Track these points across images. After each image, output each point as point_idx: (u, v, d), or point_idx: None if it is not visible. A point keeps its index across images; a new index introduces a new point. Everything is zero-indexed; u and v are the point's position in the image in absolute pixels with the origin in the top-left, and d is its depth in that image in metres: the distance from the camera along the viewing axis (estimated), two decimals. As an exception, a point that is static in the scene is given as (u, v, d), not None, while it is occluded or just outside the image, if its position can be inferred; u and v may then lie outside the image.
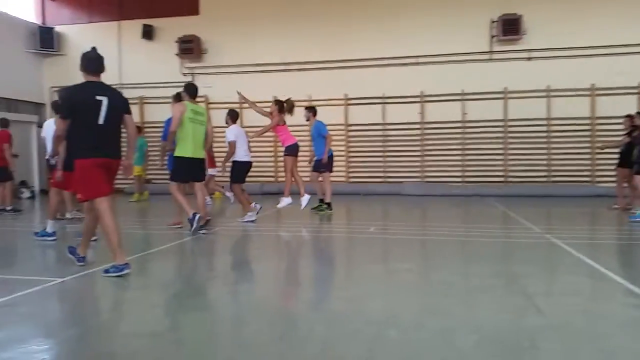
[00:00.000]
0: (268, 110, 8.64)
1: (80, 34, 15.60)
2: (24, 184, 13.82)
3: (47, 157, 5.75)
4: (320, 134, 9.29)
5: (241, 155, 8.02)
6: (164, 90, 14.89)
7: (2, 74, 14.22)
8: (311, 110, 9.65)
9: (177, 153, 6.61)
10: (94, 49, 4.74)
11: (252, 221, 7.92)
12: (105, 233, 4.49)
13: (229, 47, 14.66)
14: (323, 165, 9.40)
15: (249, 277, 4.82)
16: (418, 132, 13.75)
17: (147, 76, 15.19)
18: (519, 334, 2.95)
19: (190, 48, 14.58)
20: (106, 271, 4.43)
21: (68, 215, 8.22)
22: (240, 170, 8.08)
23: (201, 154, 6.83)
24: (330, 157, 9.49)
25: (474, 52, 13.30)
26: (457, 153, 13.60)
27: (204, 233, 6.72)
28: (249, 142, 8.49)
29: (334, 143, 13.99)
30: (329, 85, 13.99)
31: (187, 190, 7.10)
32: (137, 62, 15.27)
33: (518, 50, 13.10)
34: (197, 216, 6.53)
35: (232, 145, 7.90)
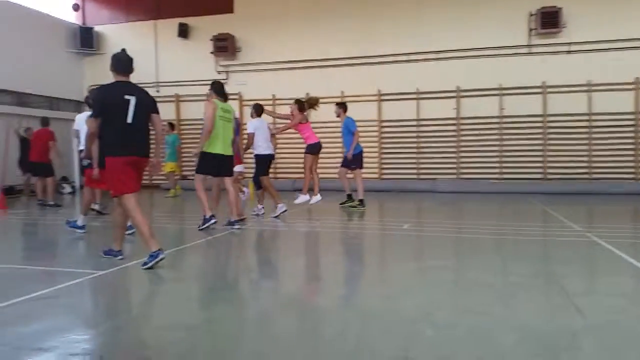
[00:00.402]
0: (288, 112, 8.80)
1: (118, 34, 15.98)
2: (65, 179, 14.26)
3: (80, 157, 5.97)
4: (349, 131, 9.24)
5: (261, 148, 8.07)
6: (198, 88, 15.12)
7: (45, 73, 14.69)
8: (341, 106, 9.63)
9: (206, 149, 6.70)
10: (123, 50, 4.87)
11: (278, 215, 7.95)
12: (136, 227, 4.68)
13: (262, 45, 14.75)
14: (353, 162, 9.34)
15: (281, 273, 4.83)
16: (453, 127, 13.53)
17: (183, 74, 15.43)
18: (558, 333, 2.86)
19: (224, 46, 14.73)
20: (145, 263, 4.53)
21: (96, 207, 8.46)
22: (262, 164, 8.14)
23: (229, 150, 6.90)
24: (360, 153, 9.45)
25: (511, 45, 12.99)
26: (494, 149, 13.32)
27: (237, 228, 6.79)
28: (273, 135, 8.53)
29: (366, 139, 13.97)
30: (362, 81, 13.92)
31: (219, 186, 7.18)
32: (173, 61, 15.53)
33: (557, 44, 12.72)
34: (212, 221, 6.65)
35: (250, 137, 7.98)
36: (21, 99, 14.30)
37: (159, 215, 9.21)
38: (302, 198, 8.50)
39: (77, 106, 16.20)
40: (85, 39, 15.88)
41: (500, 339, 2.79)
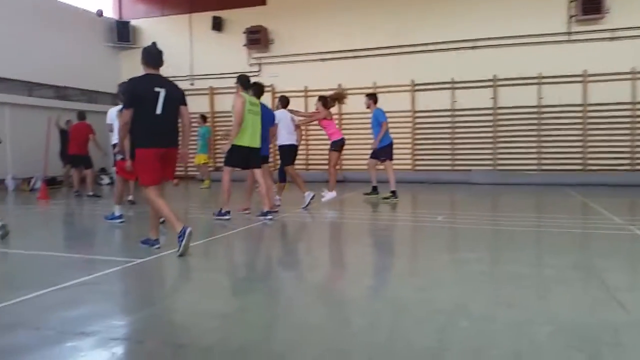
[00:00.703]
0: (314, 110, 8.92)
1: (154, 27, 16.26)
2: (103, 170, 14.64)
3: (114, 152, 6.13)
4: (378, 122, 9.16)
5: (284, 139, 8.19)
6: (232, 81, 15.25)
7: (83, 67, 15.09)
8: (371, 97, 9.58)
9: (235, 142, 6.78)
10: (154, 43, 5.03)
11: (308, 203, 8.03)
12: (160, 213, 4.86)
13: (294, 37, 14.76)
14: (382, 153, 9.32)
15: (314, 263, 4.85)
16: (490, 117, 13.25)
17: (217, 67, 15.58)
18: (598, 328, 2.78)
19: (257, 39, 14.81)
20: (179, 237, 4.64)
21: (130, 198, 8.72)
22: (285, 154, 8.25)
23: (257, 143, 6.98)
24: (390, 145, 9.39)
25: (550, 33, 12.61)
26: (532, 139, 13.00)
27: (270, 219, 6.85)
28: (298, 126, 8.59)
29: (399, 130, 13.86)
30: (395, 71, 13.77)
31: (252, 178, 7.25)
32: (207, 54, 15.70)
33: (599, 30, 12.28)
34: (227, 217, 6.82)
35: (274, 127, 7.99)
36: (61, 92, 14.74)
37: (194, 205, 9.37)
38: (329, 195, 8.67)
39: (114, 99, 16.56)
40: (122, 33, 16.21)
41: (537, 332, 2.73)
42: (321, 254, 5.29)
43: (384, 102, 13.76)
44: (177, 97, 4.92)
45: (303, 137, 14.49)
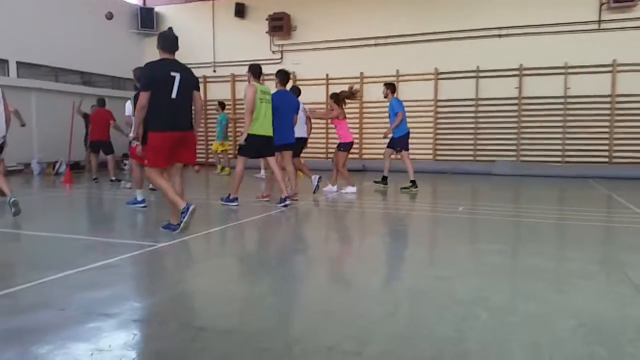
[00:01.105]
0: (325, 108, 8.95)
1: (177, 14, 16.32)
2: (126, 156, 14.83)
3: (130, 139, 6.21)
4: (394, 112, 9.13)
5: (296, 130, 8.15)
6: (254, 68, 15.25)
7: (108, 53, 15.26)
8: (389, 86, 9.50)
9: (250, 131, 6.80)
10: (170, 29, 5.11)
11: (317, 186, 8.31)
12: (162, 191, 5.05)
13: (317, 24, 14.68)
14: (398, 143, 9.28)
15: (333, 251, 4.85)
16: (514, 107, 13.04)
17: (239, 54, 15.61)
18: (623, 324, 2.72)
19: (280, 25, 14.77)
20: (182, 213, 4.86)
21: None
22: (294, 145, 8.17)
23: (270, 131, 6.99)
24: (406, 135, 9.32)
25: (579, 21, 12.30)
26: (557, 131, 12.76)
27: (286, 205, 6.90)
28: (308, 118, 8.70)
29: (421, 119, 13.74)
30: (418, 59, 13.62)
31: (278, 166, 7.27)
32: (230, 40, 15.73)
33: (631, 19, 11.93)
34: (235, 203, 6.93)
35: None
36: (86, 78, 14.95)
37: (214, 192, 9.43)
38: (350, 190, 8.70)
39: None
40: (146, 20, 16.33)
41: (557, 325, 2.69)
42: (340, 242, 5.29)
43: (406, 91, 13.72)
44: (191, 82, 5.04)
45: (325, 128, 14.49)
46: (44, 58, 13.53)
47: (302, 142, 8.47)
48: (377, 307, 3.00)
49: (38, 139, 13.34)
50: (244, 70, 15.25)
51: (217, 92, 15.80)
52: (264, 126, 6.86)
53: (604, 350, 2.37)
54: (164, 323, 2.75)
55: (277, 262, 4.32)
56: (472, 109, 13.40)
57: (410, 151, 13.38)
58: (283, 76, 7.55)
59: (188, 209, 4.81)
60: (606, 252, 4.72)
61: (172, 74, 4.84)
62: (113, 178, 10.63)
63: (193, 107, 5.18)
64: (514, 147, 13.15)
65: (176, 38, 5.06)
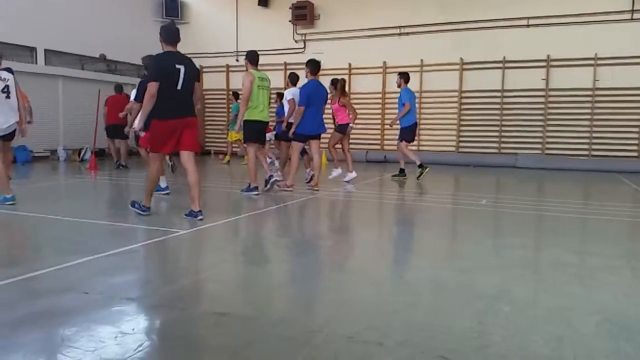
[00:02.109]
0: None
1: (202, 3, 16.35)
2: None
3: (136, 130, 6.32)
4: (401, 102, 9.21)
5: (291, 117, 8.19)
6: (276, 57, 15.24)
7: (133, 41, 15.36)
8: (403, 76, 9.48)
9: (247, 117, 6.94)
10: (172, 21, 5.17)
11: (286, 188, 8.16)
12: (146, 180, 5.35)
13: (341, 12, 14.56)
14: (404, 134, 9.33)
15: (355, 241, 4.84)
16: (541, 99, 12.77)
17: (262, 43, 15.53)
18: (650, 321, 2.66)
19: (303, 14, 14.68)
20: (133, 204, 5.37)
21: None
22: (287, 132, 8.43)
23: (267, 117, 7.18)
24: (412, 126, 9.35)
25: (610, 11, 11.95)
26: (584, 124, 12.47)
27: (257, 194, 6.99)
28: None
29: (445, 110, 13.57)
30: (443, 49, 13.41)
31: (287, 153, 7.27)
32: (253, 29, 15.69)
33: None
34: (257, 192, 7.00)
35: (291, 102, 7.94)
36: (111, 66, 15.12)
37: (237, 181, 9.49)
38: (350, 176, 8.71)
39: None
40: (170, 9, 16.39)
41: (581, 319, 2.64)
42: (360, 232, 5.27)
43: (430, 81, 13.56)
44: (193, 74, 5.22)
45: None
46: (71, 46, 13.73)
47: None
48: (398, 298, 2.99)
49: (64, 126, 13.58)
50: (267, 59, 15.46)
51: (239, 81, 15.77)
52: (261, 112, 7.00)
53: (630, 347, 2.33)
54: (186, 308, 2.78)
55: (298, 251, 4.33)
56: (498, 100, 13.17)
57: (433, 142, 13.29)
58: (314, 66, 7.60)
59: (145, 211, 5.28)
60: (632, 247, 4.62)
61: (177, 66, 5.02)
62: (123, 163, 10.86)
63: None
64: (539, 140, 12.91)
65: (178, 30, 5.21)
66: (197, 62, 17.43)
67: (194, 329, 2.49)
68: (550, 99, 12.68)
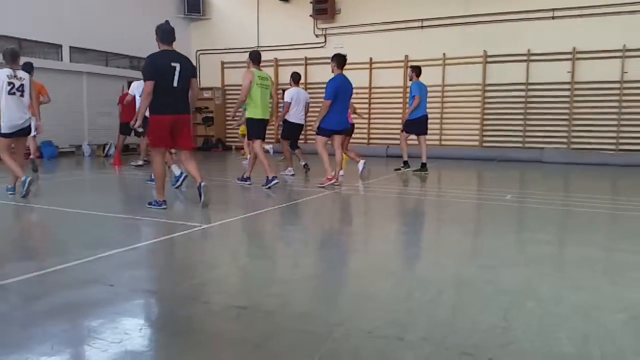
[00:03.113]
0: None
1: (223, -1, 16.42)
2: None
3: (132, 124, 6.45)
4: (410, 95, 9.30)
5: (292, 116, 8.91)
6: (296, 52, 15.25)
7: (154, 38, 15.54)
8: (414, 69, 9.52)
9: (248, 115, 7.25)
10: (167, 22, 5.46)
11: (292, 175, 8.68)
12: (154, 176, 5.56)
13: (361, 6, 14.47)
14: (408, 125, 9.41)
15: (374, 237, 4.82)
16: (567, 92, 12.52)
17: (282, 38, 15.59)
18: (681, 319, 2.59)
19: (324, 8, 14.63)
20: (149, 203, 5.47)
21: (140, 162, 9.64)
22: (288, 129, 9.05)
23: (267, 115, 7.40)
24: (420, 118, 9.37)
25: (639, 1, 11.63)
26: (612, 117, 12.18)
27: (268, 187, 7.16)
28: (308, 105, 9.22)
29: (468, 105, 13.41)
30: (466, 42, 13.23)
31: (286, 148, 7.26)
32: (274, 25, 15.71)
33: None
34: (275, 181, 7.17)
35: (286, 105, 8.76)
36: (134, 62, 15.31)
37: (258, 177, 9.53)
38: (360, 164, 8.88)
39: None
40: (192, 5, 16.51)
41: (608, 317, 2.58)
42: (382, 227, 5.25)
43: (453, 75, 13.40)
44: (189, 71, 5.45)
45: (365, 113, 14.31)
46: (95, 43, 13.95)
47: (296, 128, 9.08)
48: (419, 293, 2.97)
49: (88, 122, 13.82)
50: (288, 54, 15.48)
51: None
52: (263, 110, 7.27)
53: (660, 346, 2.27)
54: (208, 301, 2.81)
55: (318, 246, 4.34)
56: (522, 93, 12.95)
57: (456, 137, 13.18)
58: (340, 60, 7.58)
59: (161, 205, 5.41)
60: (663, 244, 4.50)
61: (173, 64, 5.24)
62: (141, 162, 10.55)
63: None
64: (565, 134, 12.67)
65: (173, 30, 5.43)
66: (219, 58, 17.66)
67: (216, 322, 2.51)
68: (576, 92, 12.42)
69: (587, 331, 2.41)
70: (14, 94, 6.06)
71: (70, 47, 13.46)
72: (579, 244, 4.39)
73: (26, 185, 6.07)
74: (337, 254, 4.08)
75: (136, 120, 5.61)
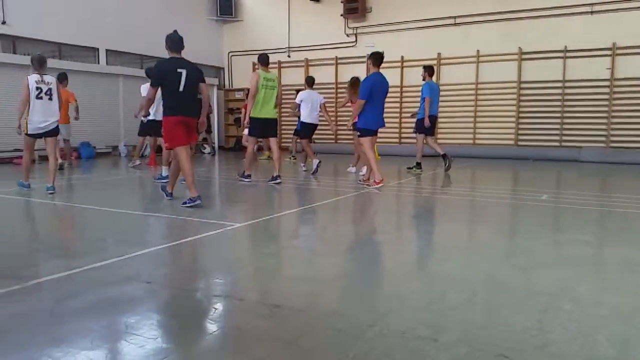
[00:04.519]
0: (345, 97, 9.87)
1: (255, 0, 16.56)
2: (205, 140, 15.39)
3: (136, 115, 6.88)
4: (422, 96, 9.34)
5: (305, 116, 9.50)
6: (327, 52, 15.26)
7: (188, 40, 15.62)
8: (427, 69, 9.58)
9: (252, 114, 7.59)
10: (175, 31, 5.90)
11: (317, 169, 8.96)
12: (184, 173, 5.74)
13: (392, 4, 14.38)
14: (418, 125, 9.52)
15: (407, 236, 4.78)
16: (606, 90, 12.14)
17: (313, 39, 15.63)
18: None
19: (355, 7, 14.61)
20: (184, 202, 5.59)
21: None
22: (304, 129, 9.66)
23: (273, 114, 7.77)
24: (431, 118, 9.40)
25: (683, -7, 11.21)
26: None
27: (276, 183, 7.58)
28: (324, 105, 9.72)
29: (503, 102, 13.16)
30: (501, 38, 12.99)
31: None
32: (304, 25, 15.76)
33: None
34: (248, 179, 7.73)
35: (293, 105, 9.61)
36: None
37: (295, 176, 9.59)
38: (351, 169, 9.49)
39: (217, 71, 17.27)
40: (224, 7, 16.72)
41: (653, 322, 2.50)
42: (414, 227, 5.21)
43: (487, 72, 13.17)
44: (196, 76, 5.75)
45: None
46: (130, 46, 14.28)
47: (310, 127, 9.59)
48: (453, 294, 2.93)
49: (125, 123, 14.15)
50: (318, 54, 15.52)
51: (291, 77, 15.93)
52: (264, 110, 7.60)
53: None
54: (242, 299, 2.84)
55: (351, 245, 4.33)
56: (559, 91, 12.64)
57: (490, 135, 13.01)
58: (376, 57, 7.52)
59: (195, 200, 5.53)
60: None
61: (179, 70, 5.56)
62: (138, 162, 10.54)
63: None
64: (603, 133, 12.29)
65: (181, 39, 5.80)
66: (250, 60, 17.76)
67: (250, 320, 2.54)
68: (616, 89, 12.03)
69: (627, 334, 2.33)
70: (41, 98, 6.49)
71: (107, 50, 13.82)
72: (619, 245, 4.25)
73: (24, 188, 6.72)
74: (369, 253, 4.07)
75: (140, 112, 6.16)
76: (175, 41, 5.75)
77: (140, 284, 3.06)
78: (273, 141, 8.07)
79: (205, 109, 5.94)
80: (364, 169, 8.87)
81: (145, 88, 8.80)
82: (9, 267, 3.45)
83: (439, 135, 14.11)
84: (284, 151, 14.77)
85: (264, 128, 7.74)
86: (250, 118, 7.62)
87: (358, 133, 8.02)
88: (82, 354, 2.11)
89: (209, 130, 14.57)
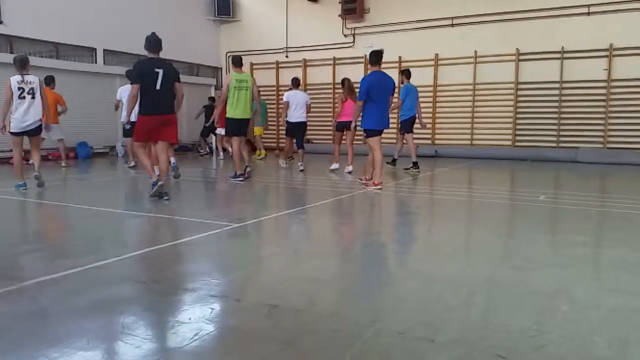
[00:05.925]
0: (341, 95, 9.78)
1: (252, 0, 16.54)
2: (205, 141, 15.35)
3: (122, 121, 7.07)
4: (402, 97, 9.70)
5: (291, 116, 9.80)
6: (325, 53, 15.26)
7: (185, 40, 15.78)
8: (403, 73, 10.03)
9: (228, 115, 7.90)
10: (153, 33, 6.20)
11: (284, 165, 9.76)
12: (141, 165, 6.39)
13: (390, 5, 14.39)
14: (403, 126, 9.92)
15: (405, 236, 4.78)
16: (603, 91, 12.17)
17: (311, 39, 15.62)
18: None
19: (353, 8, 14.60)
20: (153, 184, 6.01)
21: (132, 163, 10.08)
22: (289, 129, 10.00)
23: (247, 114, 8.01)
24: (412, 118, 9.82)
25: (680, -5, 11.25)
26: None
27: (241, 181, 7.85)
28: (310, 106, 10.06)
29: (500, 103, 13.19)
30: (499, 39, 13.01)
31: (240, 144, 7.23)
32: (302, 25, 15.75)
33: None
34: (241, 179, 7.92)
35: (284, 106, 9.86)
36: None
37: (297, 175, 9.58)
38: (334, 166, 9.72)
39: (214, 71, 17.25)
40: (222, 7, 16.69)
41: (651, 322, 2.50)
42: (412, 227, 5.21)
43: (485, 73, 13.19)
44: (172, 76, 6.12)
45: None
46: (127, 46, 14.24)
47: (294, 127, 9.86)
48: (450, 295, 2.93)
49: (120, 124, 14.09)
50: (316, 55, 15.51)
51: (289, 77, 15.89)
52: (239, 110, 7.87)
53: (703, 352, 2.18)
54: (240, 299, 2.84)
55: (349, 245, 4.33)
56: (556, 92, 12.66)
57: (487, 136, 13.09)
58: (372, 56, 7.27)
59: (156, 184, 5.97)
60: None
61: (156, 70, 5.92)
62: (133, 163, 10.38)
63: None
64: (601, 133, 12.32)
65: (159, 40, 6.15)
66: (248, 60, 17.74)
67: (248, 320, 2.53)
68: (613, 90, 12.07)
69: (626, 336, 2.34)
70: (24, 97, 6.72)
71: (104, 50, 13.79)
72: (617, 246, 4.26)
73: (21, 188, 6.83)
74: (367, 253, 4.06)
75: (128, 118, 6.78)
76: (152, 42, 6.11)
77: (137, 284, 3.06)
78: (240, 140, 8.31)
79: (179, 107, 6.32)
80: (350, 167, 9.26)
81: (122, 90, 9.33)
82: (5, 267, 3.44)
83: (437, 136, 14.14)
84: (280, 151, 14.77)
85: (240, 127, 8.06)
86: (227, 118, 7.98)
87: (364, 134, 7.86)
88: (78, 354, 2.10)
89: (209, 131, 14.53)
